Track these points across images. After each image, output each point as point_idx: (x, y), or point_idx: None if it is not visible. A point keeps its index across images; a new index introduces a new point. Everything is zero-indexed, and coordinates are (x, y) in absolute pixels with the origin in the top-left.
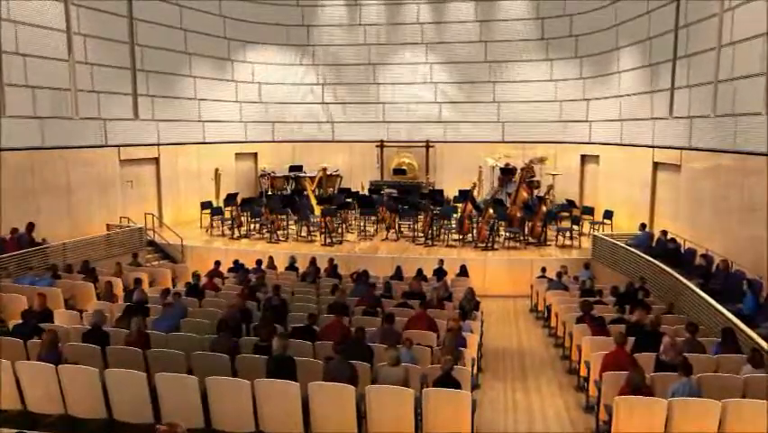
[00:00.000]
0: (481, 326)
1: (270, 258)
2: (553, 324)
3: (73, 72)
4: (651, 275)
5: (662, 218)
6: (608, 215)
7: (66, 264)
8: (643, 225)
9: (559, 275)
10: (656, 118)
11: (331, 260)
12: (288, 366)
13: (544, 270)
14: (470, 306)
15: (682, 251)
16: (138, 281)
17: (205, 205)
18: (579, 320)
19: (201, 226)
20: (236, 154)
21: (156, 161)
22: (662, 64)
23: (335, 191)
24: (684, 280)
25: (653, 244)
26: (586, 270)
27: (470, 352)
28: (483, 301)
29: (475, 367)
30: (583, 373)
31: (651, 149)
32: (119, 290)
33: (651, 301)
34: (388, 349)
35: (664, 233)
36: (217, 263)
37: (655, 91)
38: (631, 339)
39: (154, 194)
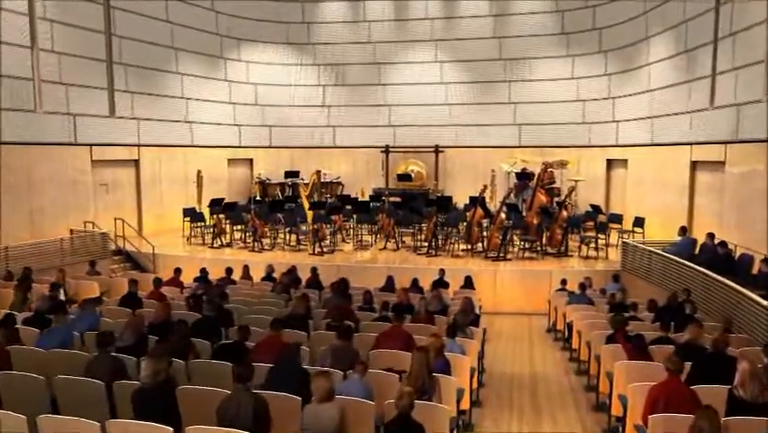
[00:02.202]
0: (482, 346)
1: (245, 267)
2: (574, 345)
3: (36, 61)
4: (696, 286)
5: (703, 224)
6: (639, 222)
7: (6, 271)
8: (683, 229)
9: (582, 287)
10: (694, 111)
11: (313, 269)
12: (161, 400)
13: (564, 282)
14: (465, 319)
15: (735, 257)
16: (53, 288)
17: (187, 212)
18: (609, 339)
19: (183, 235)
20: (229, 160)
21: (135, 163)
22: (701, 48)
23: (335, 199)
24: (744, 291)
25: (697, 252)
26: (615, 282)
27: (459, 381)
28: (493, 319)
29: (466, 401)
30: (616, 411)
31: (688, 146)
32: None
33: (699, 318)
34: (318, 376)
35: (711, 236)
36: (177, 271)
37: (693, 80)
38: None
39: (133, 199)
